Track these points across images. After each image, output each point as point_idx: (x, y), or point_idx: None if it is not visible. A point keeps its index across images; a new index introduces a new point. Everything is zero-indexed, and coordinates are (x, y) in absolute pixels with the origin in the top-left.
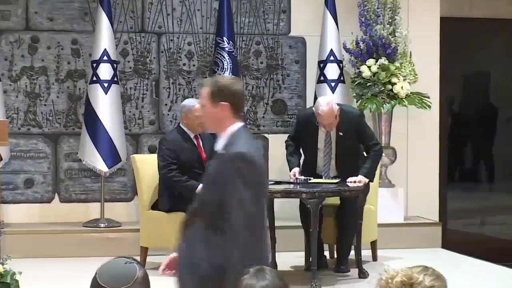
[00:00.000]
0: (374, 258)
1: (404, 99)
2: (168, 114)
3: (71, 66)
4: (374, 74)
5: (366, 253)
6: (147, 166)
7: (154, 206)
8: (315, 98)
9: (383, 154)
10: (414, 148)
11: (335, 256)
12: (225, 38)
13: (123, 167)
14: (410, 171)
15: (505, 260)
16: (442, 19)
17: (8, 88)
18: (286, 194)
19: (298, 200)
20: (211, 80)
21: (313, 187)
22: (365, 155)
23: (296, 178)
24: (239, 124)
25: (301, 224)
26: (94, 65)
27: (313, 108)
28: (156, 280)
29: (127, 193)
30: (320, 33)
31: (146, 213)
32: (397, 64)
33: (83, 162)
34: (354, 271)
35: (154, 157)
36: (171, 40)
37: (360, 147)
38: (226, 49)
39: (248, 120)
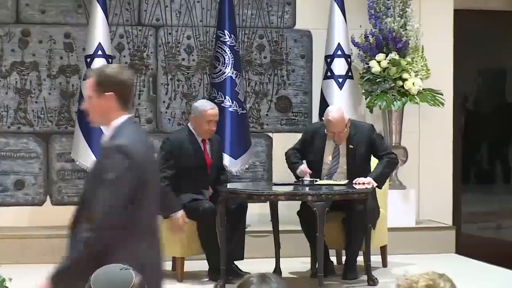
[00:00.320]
0: (384, 264)
1: (415, 96)
2: (166, 112)
3: (63, 61)
4: (384, 69)
5: (375, 259)
6: None
7: None
8: (322, 95)
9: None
10: (426, 148)
11: (343, 262)
12: (226, 32)
13: None
14: (422, 172)
15: None
16: (456, 12)
17: None
18: (291, 196)
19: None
20: (96, 69)
21: (320, 189)
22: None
23: (301, 180)
24: (125, 116)
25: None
26: (88, 60)
27: (323, 118)
28: None
29: None
30: (327, 26)
31: None
32: (409, 59)
33: (77, 163)
34: (362, 278)
35: None
36: (170, 34)
37: (371, 162)
38: (228, 43)
39: (251, 118)
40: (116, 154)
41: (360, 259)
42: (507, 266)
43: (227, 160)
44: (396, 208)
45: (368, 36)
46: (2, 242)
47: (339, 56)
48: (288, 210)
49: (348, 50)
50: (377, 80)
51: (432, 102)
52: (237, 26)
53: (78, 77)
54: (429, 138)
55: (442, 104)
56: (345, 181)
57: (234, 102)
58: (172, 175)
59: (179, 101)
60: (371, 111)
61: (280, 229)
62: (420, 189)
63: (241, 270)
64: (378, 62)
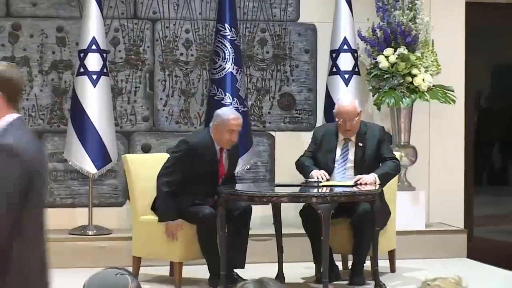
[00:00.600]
0: (392, 269)
1: (425, 93)
2: (163, 110)
3: (56, 56)
4: (393, 65)
5: (383, 263)
6: (140, 167)
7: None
8: (327, 92)
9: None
10: (436, 147)
11: (349, 267)
12: (226, 25)
13: (114, 168)
14: (432, 173)
15: None
16: (468, 4)
17: None
18: (294, 198)
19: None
20: None
21: (325, 190)
22: None
23: (306, 181)
24: (14, 116)
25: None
26: (82, 55)
27: (333, 111)
28: None
29: (118, 197)
30: (333, 19)
31: (139, 220)
32: (418, 54)
33: (69, 163)
34: (370, 284)
35: (148, 157)
36: (167, 27)
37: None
38: (228, 37)
39: (253, 116)
40: (1, 153)
41: (367, 264)
42: None
43: None
44: (405, 210)
45: (375, 30)
46: None
47: (345, 51)
48: (291, 212)
49: (354, 44)
50: (385, 76)
51: (442, 99)
52: (238, 19)
53: (71, 73)
54: (439, 137)
55: (453, 101)
56: (352, 182)
57: (235, 99)
58: (179, 180)
59: (177, 98)
60: (379, 109)
61: (283, 232)
62: (430, 191)
63: (241, 278)
64: (386, 57)
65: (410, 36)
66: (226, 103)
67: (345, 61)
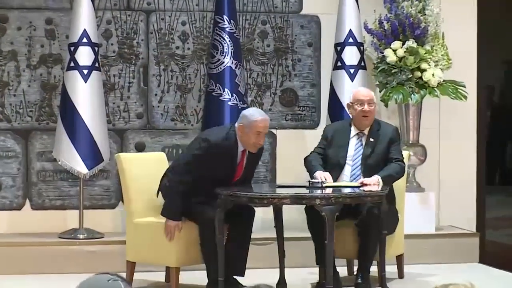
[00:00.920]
0: (400, 275)
1: (435, 89)
2: (158, 106)
3: (45, 50)
4: (401, 59)
5: (390, 269)
6: (134, 166)
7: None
8: (331, 87)
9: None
10: (447, 146)
11: (355, 272)
12: (225, 17)
13: (106, 168)
14: (442, 173)
15: None
16: None
17: None
18: (297, 200)
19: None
20: None
21: (329, 191)
22: None
23: (309, 181)
24: None
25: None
26: (72, 48)
27: (346, 105)
28: None
29: (110, 198)
30: (337, 11)
31: (134, 222)
32: (428, 47)
33: (59, 163)
34: None
35: (143, 156)
36: (162, 19)
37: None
38: (227, 29)
39: None
40: None
41: (374, 269)
42: None
43: None
44: (414, 212)
45: (382, 22)
46: None
47: (350, 44)
48: (294, 215)
49: (360, 37)
50: (393, 71)
51: (453, 95)
52: (237, 11)
53: (60, 68)
54: (450, 135)
55: (465, 97)
56: (357, 183)
57: (234, 95)
58: (194, 180)
59: (172, 94)
60: (386, 105)
61: (285, 236)
62: (440, 192)
63: (241, 284)
64: (394, 50)
65: (419, 28)
66: (225, 99)
67: (351, 55)
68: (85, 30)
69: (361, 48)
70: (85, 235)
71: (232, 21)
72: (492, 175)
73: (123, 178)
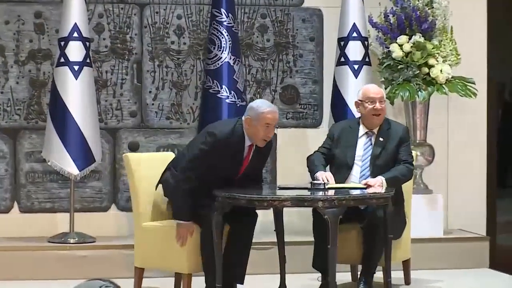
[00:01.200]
0: (407, 281)
1: (443, 85)
2: (152, 104)
3: (33, 45)
4: (407, 54)
5: (396, 274)
6: (143, 167)
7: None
8: (334, 84)
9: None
10: (456, 146)
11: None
12: (223, 10)
13: (98, 169)
14: (451, 174)
15: None
16: None
17: None
18: (298, 202)
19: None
20: None
21: (332, 193)
22: None
23: (311, 183)
24: None
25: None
26: (62, 43)
27: (355, 101)
28: None
29: (102, 201)
30: (341, 4)
31: (142, 226)
32: (435, 42)
33: (49, 163)
34: None
35: (152, 156)
36: (157, 13)
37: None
38: (225, 23)
39: None
40: None
41: (379, 275)
42: None
43: None
44: (421, 215)
45: (388, 16)
46: None
47: (354, 38)
48: (295, 218)
49: (365, 31)
50: (399, 67)
51: (462, 93)
52: (235, 4)
53: (50, 64)
54: (459, 134)
55: (475, 94)
56: (362, 184)
57: (232, 92)
58: (197, 177)
59: (167, 91)
60: (392, 103)
61: (285, 240)
62: (449, 194)
63: None
64: (400, 45)
65: (427, 22)
66: (222, 97)
67: (355, 50)
68: (75, 24)
69: (366, 43)
70: (76, 239)
71: (230, 15)
72: (503, 176)
73: (131, 180)
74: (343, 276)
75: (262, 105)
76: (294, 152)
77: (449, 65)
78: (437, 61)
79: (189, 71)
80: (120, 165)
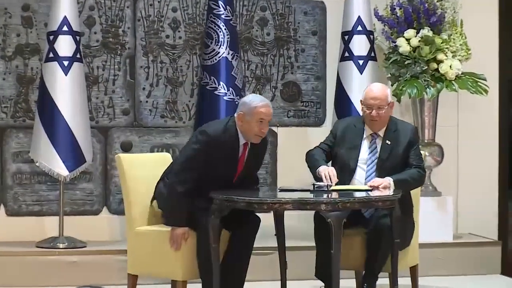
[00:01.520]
0: None
1: (453, 82)
2: (146, 102)
3: (21, 39)
4: (415, 49)
5: (404, 281)
6: (137, 169)
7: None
8: (338, 80)
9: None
10: (466, 145)
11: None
12: (220, 3)
13: (88, 170)
14: (461, 176)
15: None
16: None
17: None
18: (300, 205)
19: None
20: None
21: (336, 195)
22: None
23: (314, 185)
24: None
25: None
26: (51, 38)
27: (360, 99)
28: None
29: (93, 204)
30: None
31: (135, 231)
32: (444, 36)
33: (37, 164)
34: None
35: (146, 157)
36: (151, 5)
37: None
38: (222, 16)
39: None
40: None
41: (385, 282)
42: None
43: None
44: (430, 219)
45: (395, 8)
46: None
47: (359, 32)
48: (296, 222)
49: (370, 25)
50: (406, 62)
51: (473, 89)
52: None
53: (38, 59)
54: (469, 134)
55: (486, 91)
56: (367, 186)
57: (230, 89)
58: (194, 179)
59: (162, 88)
60: (399, 100)
61: (287, 245)
62: (459, 196)
63: None
64: (407, 40)
65: (435, 15)
66: (220, 94)
67: (359, 45)
68: (65, 17)
69: (371, 37)
70: (66, 244)
71: (228, 7)
72: None
73: (123, 182)
74: (346, 282)
75: (254, 100)
76: (295, 152)
77: (459, 60)
78: (446, 56)
79: (185, 66)
80: (112, 166)
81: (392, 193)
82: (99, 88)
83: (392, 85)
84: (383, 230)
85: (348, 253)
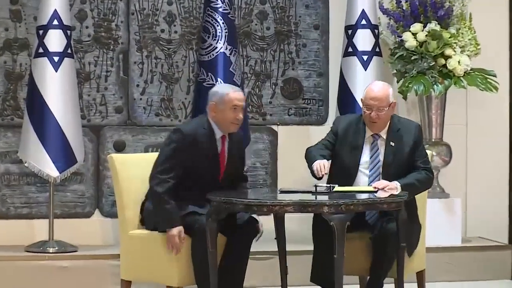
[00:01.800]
0: None
1: (462, 78)
2: (140, 99)
3: (9, 34)
4: (422, 44)
5: (410, 287)
6: (131, 169)
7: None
8: (341, 77)
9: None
10: (475, 145)
11: None
12: None
13: (80, 171)
14: (470, 176)
15: None
16: None
17: None
18: (302, 207)
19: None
20: None
21: (339, 197)
22: None
23: (316, 186)
24: None
25: None
26: (41, 32)
27: (361, 99)
28: None
29: (85, 206)
30: None
31: (129, 234)
32: (453, 30)
33: (25, 164)
34: None
35: (140, 157)
36: None
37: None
38: (220, 9)
39: (250, 107)
40: None
41: (391, 287)
42: None
43: None
44: (437, 222)
45: (400, 1)
46: None
47: (363, 26)
48: (297, 225)
49: (375, 19)
50: (413, 58)
51: (482, 86)
52: None
53: (27, 54)
54: (479, 133)
55: (496, 88)
56: (372, 188)
57: None
58: (178, 177)
59: (157, 84)
60: (405, 98)
61: (287, 249)
62: (468, 198)
63: None
64: (414, 34)
65: (443, 8)
66: None
67: (364, 40)
68: (55, 11)
69: (376, 31)
70: (56, 248)
71: (226, 0)
72: None
73: (116, 183)
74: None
75: (224, 87)
76: (296, 152)
77: (468, 56)
78: (455, 51)
79: (181, 62)
80: (105, 166)
81: (397, 194)
82: (91, 85)
83: (398, 82)
84: (389, 235)
85: (350, 257)
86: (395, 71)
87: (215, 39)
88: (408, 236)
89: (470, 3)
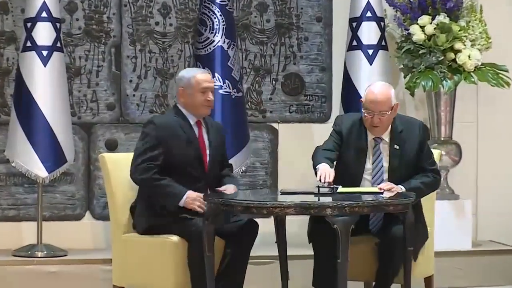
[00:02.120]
0: None
1: (472, 74)
2: (133, 95)
3: None
4: (430, 37)
5: None
6: (123, 169)
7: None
8: (345, 72)
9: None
10: (486, 144)
11: None
12: None
13: (70, 171)
14: (480, 177)
15: None
16: None
17: None
18: (304, 209)
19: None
20: None
21: (343, 199)
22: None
23: (318, 187)
24: None
25: None
26: (29, 25)
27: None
28: None
29: (75, 208)
30: None
31: (121, 238)
32: (462, 23)
33: (13, 164)
34: None
35: (131, 156)
36: None
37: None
38: (218, 1)
39: (249, 104)
40: None
41: None
42: None
43: None
44: (446, 225)
45: None
46: None
47: (368, 19)
48: (298, 228)
49: (380, 11)
50: (420, 52)
51: (494, 82)
52: None
53: (15, 48)
54: (490, 131)
55: (508, 84)
56: (377, 189)
57: (227, 81)
58: (160, 167)
59: (151, 80)
60: (412, 94)
61: (288, 254)
62: (479, 200)
63: None
64: (422, 27)
65: (452, 0)
66: (216, 87)
67: (369, 33)
68: (44, 2)
69: (382, 24)
70: (45, 252)
71: None
72: None
73: (108, 184)
74: None
75: (190, 71)
76: (298, 151)
77: (479, 50)
78: (465, 45)
79: (176, 56)
80: (96, 166)
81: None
82: (81, 80)
83: (405, 77)
84: (395, 238)
85: (354, 262)
86: (402, 66)
87: (212, 32)
88: (413, 239)
89: None
